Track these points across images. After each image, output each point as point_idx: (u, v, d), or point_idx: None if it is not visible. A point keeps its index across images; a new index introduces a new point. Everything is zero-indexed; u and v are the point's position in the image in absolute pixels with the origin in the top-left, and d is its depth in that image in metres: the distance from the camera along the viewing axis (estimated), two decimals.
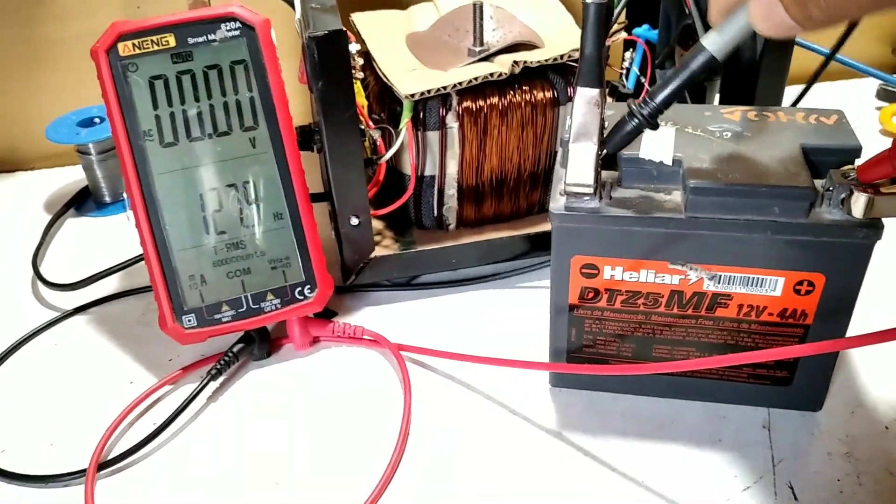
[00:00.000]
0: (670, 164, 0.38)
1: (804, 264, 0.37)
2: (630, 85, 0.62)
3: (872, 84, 0.75)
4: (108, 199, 0.65)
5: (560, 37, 0.56)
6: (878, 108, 0.72)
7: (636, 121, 0.36)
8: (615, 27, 0.62)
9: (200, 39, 0.45)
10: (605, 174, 0.39)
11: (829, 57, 0.54)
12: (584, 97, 0.37)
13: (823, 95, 0.74)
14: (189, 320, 0.46)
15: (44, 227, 0.61)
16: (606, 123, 0.38)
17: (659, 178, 0.39)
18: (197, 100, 0.45)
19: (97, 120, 0.64)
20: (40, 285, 0.55)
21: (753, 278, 0.38)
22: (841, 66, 0.72)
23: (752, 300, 0.39)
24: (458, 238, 0.54)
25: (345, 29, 0.43)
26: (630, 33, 0.64)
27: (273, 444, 0.43)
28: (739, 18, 0.33)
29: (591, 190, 0.38)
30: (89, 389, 0.47)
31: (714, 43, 0.33)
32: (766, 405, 0.43)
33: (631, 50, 0.63)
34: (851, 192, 0.34)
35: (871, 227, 0.35)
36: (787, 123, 0.40)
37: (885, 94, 0.74)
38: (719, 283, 0.39)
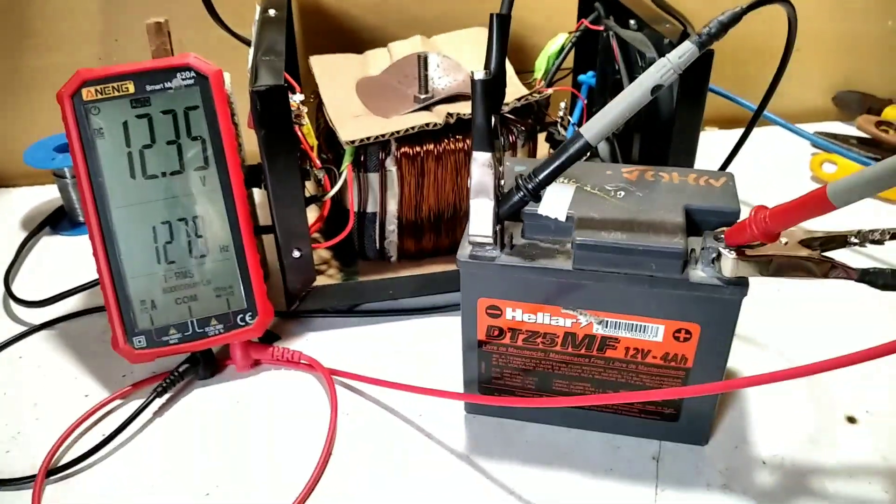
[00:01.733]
0: (564, 220, 0.42)
1: (681, 315, 0.41)
2: (568, 134, 0.66)
3: (812, 129, 0.79)
4: (81, 219, 0.70)
5: None
6: (812, 154, 0.77)
7: (522, 193, 0.40)
8: (561, 73, 0.66)
9: (158, 87, 0.49)
10: (509, 223, 0.44)
11: (757, 114, 0.58)
12: (479, 161, 0.41)
13: (764, 140, 0.79)
14: (139, 341, 0.50)
15: (18, 244, 0.66)
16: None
17: (556, 232, 0.43)
18: (153, 141, 0.50)
19: None
20: (10, 301, 0.60)
21: (637, 325, 0.42)
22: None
23: (638, 344, 0.43)
24: (398, 270, 0.59)
25: (287, 84, 0.48)
26: (576, 79, 0.69)
27: (209, 458, 0.47)
28: (611, 108, 0.38)
29: (491, 240, 0.42)
30: (47, 400, 0.51)
31: (590, 130, 0.38)
32: (657, 438, 0.47)
33: (565, 100, 0.67)
34: (720, 254, 0.39)
35: (738, 286, 0.39)
36: (678, 185, 0.44)
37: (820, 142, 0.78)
38: (607, 327, 0.43)
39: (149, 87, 0.49)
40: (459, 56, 0.63)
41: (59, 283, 0.62)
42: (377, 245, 0.58)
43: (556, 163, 0.40)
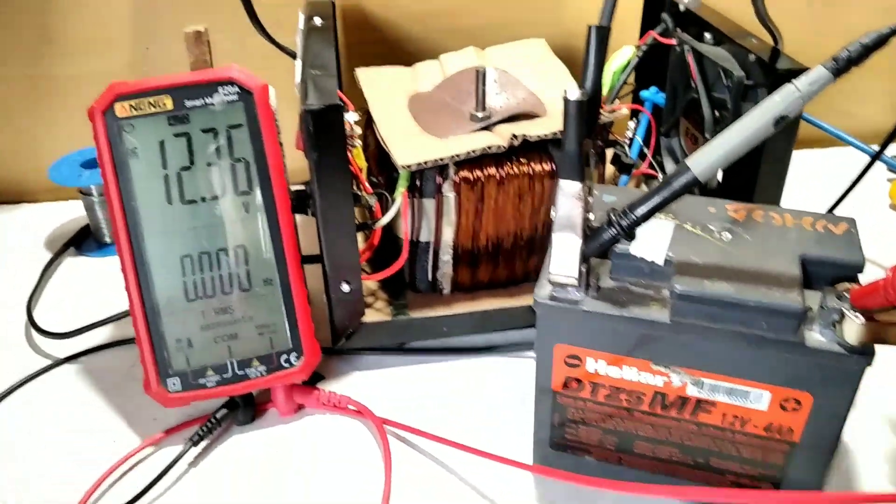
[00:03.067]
0: (661, 263, 0.37)
1: (791, 382, 0.36)
2: (633, 154, 0.61)
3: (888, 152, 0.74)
4: (108, 239, 0.65)
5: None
6: (890, 181, 0.71)
7: (614, 230, 0.35)
8: (624, 90, 0.61)
9: (198, 103, 0.45)
10: (596, 261, 0.39)
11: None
12: (567, 191, 0.36)
13: (832, 160, 0.73)
14: (174, 384, 0.46)
15: (42, 266, 0.62)
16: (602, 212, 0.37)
17: (650, 275, 0.38)
18: (192, 163, 0.45)
19: None
20: (32, 330, 0.55)
21: (738, 389, 0.37)
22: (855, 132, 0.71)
23: (737, 411, 0.38)
24: (451, 303, 0.54)
25: (342, 103, 0.43)
26: (638, 95, 0.64)
27: None
28: (726, 140, 0.33)
29: (574, 281, 0.37)
30: (73, 445, 0.47)
31: (698, 165, 0.33)
32: None
33: (635, 119, 0.62)
34: (843, 316, 0.33)
35: (862, 354, 0.34)
36: (793, 229, 0.39)
37: None
38: (703, 389, 0.38)
39: (188, 103, 0.45)
40: (517, 70, 0.58)
41: (85, 309, 0.57)
42: (429, 276, 0.54)
43: (657, 198, 0.35)
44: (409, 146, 0.49)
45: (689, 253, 0.37)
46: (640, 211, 0.35)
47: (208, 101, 0.45)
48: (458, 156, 0.48)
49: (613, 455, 0.42)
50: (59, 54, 0.67)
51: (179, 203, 0.45)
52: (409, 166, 0.48)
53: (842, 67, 0.32)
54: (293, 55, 0.57)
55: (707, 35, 0.56)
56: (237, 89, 0.45)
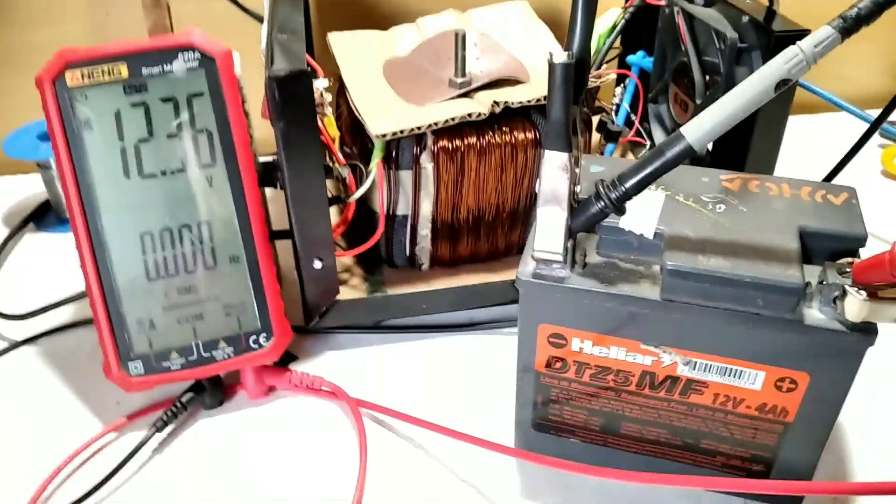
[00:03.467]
0: (651, 237, 0.35)
1: (787, 361, 0.34)
2: (619, 121, 0.59)
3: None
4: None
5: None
6: (881, 147, 0.69)
7: (602, 203, 0.33)
8: (610, 54, 0.59)
9: (156, 70, 0.42)
10: (582, 236, 0.37)
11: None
12: (553, 162, 0.34)
13: (825, 127, 0.71)
14: (136, 367, 0.43)
15: None
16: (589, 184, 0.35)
17: (639, 249, 0.36)
18: (150, 134, 0.42)
19: None
20: None
21: (732, 369, 0.35)
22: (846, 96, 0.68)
23: (730, 391, 0.36)
24: (430, 280, 0.52)
25: (310, 68, 0.40)
26: (624, 60, 0.61)
27: (220, 501, 0.41)
28: (723, 107, 0.30)
29: (560, 258, 0.35)
30: (30, 432, 0.44)
31: (693, 133, 0.31)
32: (741, 496, 0.40)
33: (621, 85, 0.59)
34: (845, 293, 0.31)
35: (864, 332, 0.32)
36: (790, 199, 0.36)
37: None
38: (695, 369, 0.36)
39: (145, 71, 0.42)
40: (498, 34, 0.56)
41: (45, 289, 0.54)
42: (407, 252, 0.51)
43: (649, 169, 0.32)
44: (383, 114, 0.46)
45: (681, 226, 0.35)
46: (631, 183, 0.33)
47: (167, 68, 0.42)
48: (436, 124, 0.46)
49: (599, 436, 0.41)
50: (11, 21, 0.63)
51: (138, 177, 0.42)
52: (383, 135, 0.45)
53: (850, 26, 0.29)
54: (260, 19, 0.53)
55: None
56: (198, 55, 0.42)
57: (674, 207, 0.37)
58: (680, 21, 0.52)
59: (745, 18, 0.47)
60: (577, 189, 0.35)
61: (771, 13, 0.46)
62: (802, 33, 0.44)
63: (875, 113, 0.68)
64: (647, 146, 0.57)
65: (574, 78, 0.33)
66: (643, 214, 0.36)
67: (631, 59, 0.61)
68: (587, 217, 0.34)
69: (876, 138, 0.71)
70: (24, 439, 0.44)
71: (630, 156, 0.61)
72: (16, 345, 0.50)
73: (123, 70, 0.42)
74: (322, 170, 0.43)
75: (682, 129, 0.32)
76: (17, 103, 0.65)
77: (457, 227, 0.51)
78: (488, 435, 0.41)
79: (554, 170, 0.34)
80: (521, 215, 0.51)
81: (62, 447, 0.43)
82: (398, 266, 0.52)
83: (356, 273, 0.52)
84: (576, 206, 0.35)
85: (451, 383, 0.48)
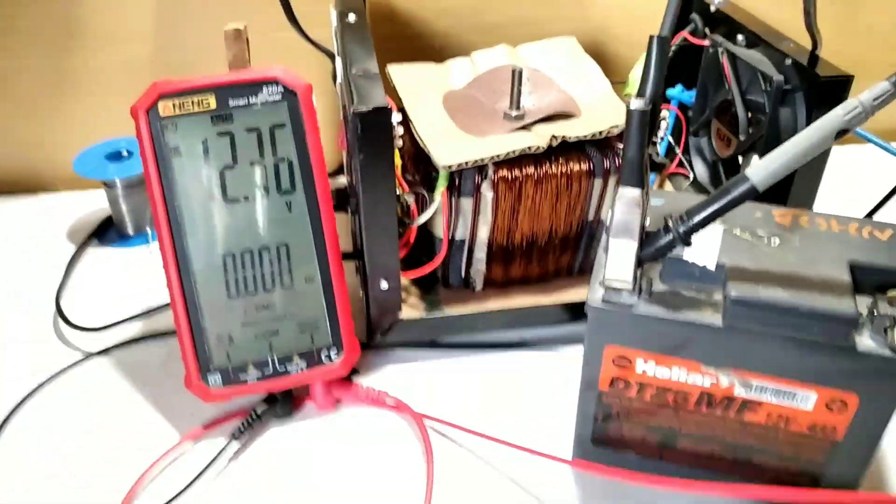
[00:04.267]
0: (713, 269, 0.38)
1: (839, 383, 0.37)
2: (662, 152, 0.62)
3: None
4: (130, 230, 0.65)
5: (597, 104, 0.55)
6: None
7: (671, 236, 0.36)
8: None
9: (241, 102, 0.45)
10: (646, 266, 0.39)
11: None
12: (626, 197, 0.37)
13: (849, 161, 0.74)
14: (214, 380, 0.46)
15: (67, 259, 0.61)
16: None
17: (700, 279, 0.38)
18: (235, 162, 0.45)
19: (125, 153, 0.63)
20: (61, 323, 0.55)
21: (786, 390, 0.38)
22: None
23: (783, 411, 0.39)
24: (483, 300, 0.54)
25: (389, 105, 0.43)
26: (664, 94, 0.64)
27: None
28: (786, 152, 0.33)
29: (629, 286, 0.38)
30: (110, 442, 0.47)
31: (758, 174, 0.34)
32: None
33: (665, 119, 0.62)
34: (895, 322, 0.34)
35: None
36: (839, 235, 0.39)
37: None
38: (751, 390, 0.39)
39: (232, 103, 0.45)
40: (548, 69, 0.59)
41: (111, 302, 0.57)
42: (462, 273, 0.54)
43: (715, 206, 0.35)
44: (448, 146, 0.49)
45: (740, 258, 0.38)
46: (698, 218, 0.36)
47: (252, 100, 0.45)
48: (498, 156, 0.48)
49: (655, 451, 0.43)
50: (82, 46, 0.66)
51: (222, 201, 0.45)
52: (449, 167, 0.48)
53: None
54: (328, 52, 0.56)
55: (740, 37, 0.56)
56: (281, 89, 0.45)
57: (732, 240, 0.39)
58: (724, 61, 0.55)
59: (789, 61, 0.50)
60: (647, 222, 0.38)
61: (814, 57, 0.50)
62: (846, 78, 0.47)
63: None
64: (691, 178, 0.60)
65: (649, 122, 0.36)
66: (705, 247, 0.39)
67: (670, 92, 0.64)
68: (656, 248, 0.37)
69: None
70: (104, 448, 0.46)
71: (668, 186, 0.64)
72: (89, 356, 0.53)
73: (212, 101, 0.45)
74: (395, 197, 0.46)
75: (747, 172, 0.35)
76: (83, 124, 0.68)
77: (511, 251, 0.53)
78: (543, 448, 0.44)
79: (628, 204, 0.37)
80: (572, 241, 0.54)
81: (142, 456, 0.45)
82: (452, 286, 0.55)
83: (413, 293, 0.55)
84: (645, 238, 0.37)
85: (504, 399, 0.50)
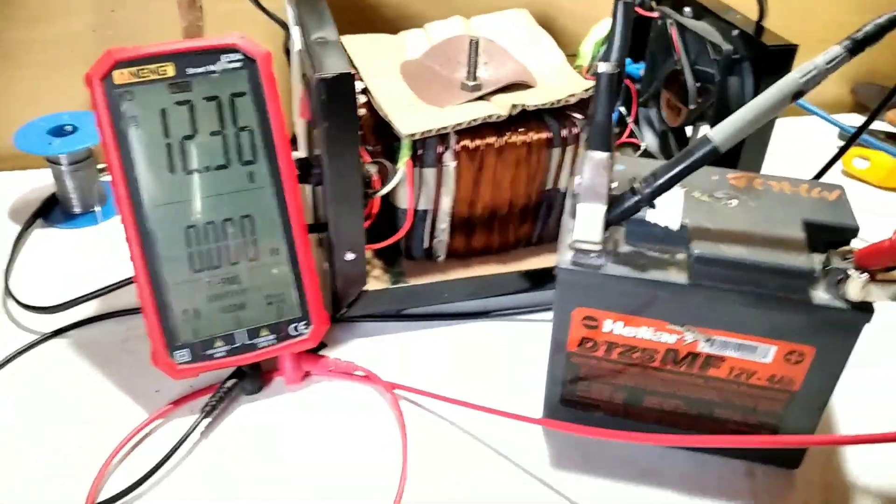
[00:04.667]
0: (677, 229, 0.39)
1: (797, 336, 0.39)
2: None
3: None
4: (77, 209, 0.63)
5: (552, 75, 0.56)
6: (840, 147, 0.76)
7: (637, 198, 0.37)
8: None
9: (200, 70, 0.44)
10: (610, 228, 0.41)
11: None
12: (594, 160, 0.38)
13: (790, 131, 0.77)
14: (182, 355, 0.45)
15: (12, 240, 0.59)
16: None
17: (664, 241, 0.40)
18: (195, 132, 0.44)
19: (68, 128, 0.61)
20: (12, 304, 0.53)
21: (747, 345, 0.40)
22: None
23: (744, 364, 0.41)
24: (446, 270, 0.55)
25: (353, 71, 0.43)
26: None
27: (268, 483, 0.43)
28: (746, 114, 0.35)
29: (598, 248, 0.39)
30: (77, 423, 0.46)
31: (719, 136, 0.35)
32: (747, 459, 0.45)
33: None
34: (847, 276, 0.36)
35: (863, 311, 0.37)
36: (791, 196, 0.41)
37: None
38: (714, 345, 0.40)
39: (190, 71, 0.44)
40: (502, 40, 0.59)
41: (60, 282, 0.55)
42: (425, 244, 0.54)
43: (679, 168, 0.37)
44: (409, 115, 0.49)
45: (701, 219, 0.40)
46: (663, 180, 0.37)
47: (211, 68, 0.44)
48: (460, 124, 0.49)
49: (621, 409, 0.45)
50: (18, 17, 0.63)
51: (183, 173, 0.44)
52: (412, 135, 0.48)
53: (857, 47, 0.34)
54: (281, 22, 0.56)
55: (686, 9, 0.58)
56: (241, 56, 0.44)
57: (692, 202, 0.41)
58: (673, 32, 0.56)
59: (736, 32, 0.52)
60: (614, 185, 0.39)
61: (760, 28, 0.51)
62: (791, 47, 0.49)
63: (838, 118, 0.75)
64: (642, 148, 0.62)
65: (616, 86, 0.37)
66: (668, 208, 0.40)
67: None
68: (622, 210, 0.38)
69: (835, 139, 0.78)
70: (72, 430, 0.45)
71: (619, 154, 0.65)
72: (46, 337, 0.51)
73: (170, 69, 0.43)
74: (359, 166, 0.46)
75: (709, 133, 0.36)
76: (21, 98, 0.66)
77: (473, 222, 0.54)
78: (512, 410, 0.45)
79: (596, 167, 0.38)
80: (531, 211, 0.55)
81: (111, 436, 0.44)
82: (415, 258, 0.55)
83: (375, 265, 0.55)
84: (611, 202, 0.39)
85: (471, 366, 0.51)
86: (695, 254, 0.38)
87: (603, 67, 0.36)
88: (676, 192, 0.41)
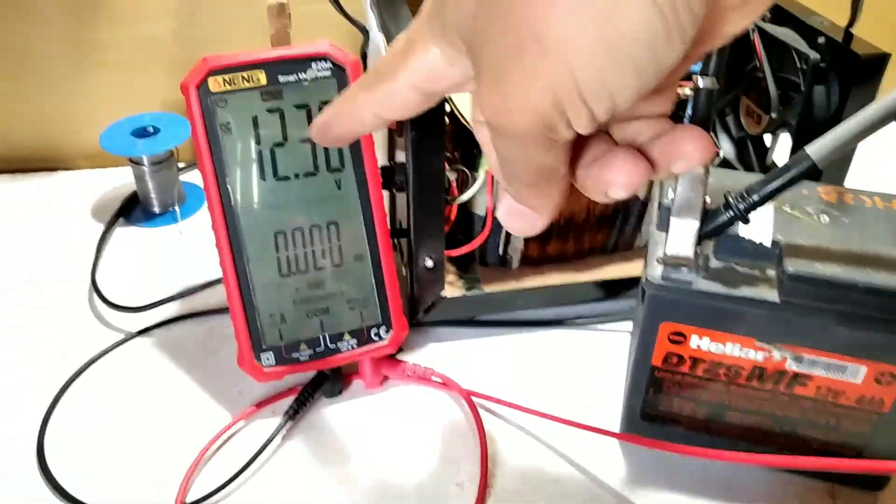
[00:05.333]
0: (769, 246, 0.39)
1: (889, 357, 0.38)
2: None
3: None
4: (157, 209, 0.64)
5: None
6: None
7: (731, 213, 0.37)
8: None
9: (291, 78, 0.45)
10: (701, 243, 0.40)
11: None
12: (689, 175, 0.38)
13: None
14: (268, 358, 0.46)
15: (97, 238, 0.61)
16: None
17: (755, 256, 0.39)
18: (285, 139, 0.45)
19: (151, 129, 0.63)
20: (98, 303, 0.55)
21: (837, 364, 0.39)
22: None
23: (832, 384, 0.40)
24: (520, 278, 0.55)
25: None
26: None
27: (354, 486, 0.44)
28: (848, 130, 0.34)
29: (690, 263, 0.39)
30: (161, 424, 0.47)
31: (819, 153, 0.34)
32: (831, 480, 0.44)
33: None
34: None
35: None
36: (884, 212, 0.41)
37: None
38: (802, 364, 0.40)
39: (282, 79, 0.45)
40: None
41: (143, 281, 0.57)
42: (500, 251, 0.55)
43: (775, 184, 0.36)
44: None
45: (793, 235, 0.39)
46: (758, 195, 0.37)
47: (302, 76, 0.45)
48: None
49: (702, 424, 0.44)
50: (104, 19, 0.65)
51: (273, 179, 0.45)
52: None
53: None
54: (361, 27, 0.56)
55: (766, 13, 0.57)
56: (330, 65, 0.45)
57: (783, 218, 0.40)
58: (755, 38, 0.56)
59: (822, 39, 0.51)
60: (708, 200, 0.38)
61: (848, 35, 0.50)
62: (883, 56, 0.48)
63: None
64: (720, 155, 0.61)
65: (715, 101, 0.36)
66: (760, 223, 0.40)
67: (693, 68, 0.64)
68: (716, 226, 0.38)
69: None
70: (158, 429, 0.47)
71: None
72: (131, 336, 0.53)
73: (262, 77, 0.44)
74: (443, 174, 0.47)
75: (807, 149, 0.36)
76: (105, 99, 0.67)
77: (548, 229, 0.54)
78: (589, 422, 0.45)
79: (692, 182, 0.37)
80: (608, 218, 0.55)
81: (196, 437, 0.45)
82: (489, 264, 0.56)
83: (449, 270, 0.55)
84: (705, 216, 0.38)
85: (543, 375, 0.51)
86: (788, 271, 0.37)
87: (704, 83, 0.35)
88: (767, 206, 0.41)
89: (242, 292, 0.45)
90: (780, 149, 0.57)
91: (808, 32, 0.52)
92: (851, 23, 0.51)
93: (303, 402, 0.47)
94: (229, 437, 0.46)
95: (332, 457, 0.45)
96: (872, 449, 0.42)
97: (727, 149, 0.62)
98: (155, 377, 0.50)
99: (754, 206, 0.37)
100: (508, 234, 0.54)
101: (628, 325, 0.54)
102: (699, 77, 0.35)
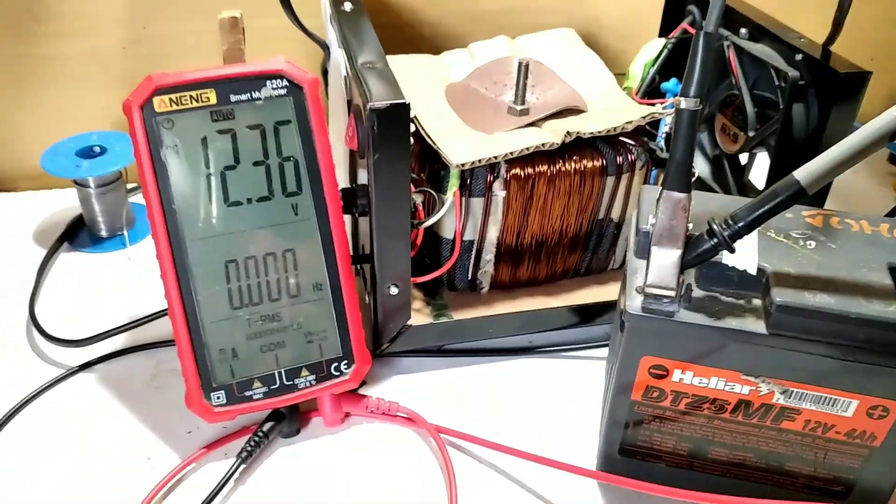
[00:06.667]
0: (755, 273, 0.37)
1: (881, 390, 0.36)
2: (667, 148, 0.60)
3: None
4: (104, 233, 0.60)
5: (603, 98, 0.54)
6: (891, 174, 0.73)
7: (716, 240, 0.35)
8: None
9: (244, 97, 0.42)
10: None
11: None
12: (671, 201, 0.36)
13: None
14: (218, 397, 0.43)
15: (37, 264, 0.57)
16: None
17: (740, 285, 0.37)
18: (237, 161, 0.42)
19: (96, 149, 0.59)
20: (37, 335, 0.51)
21: (827, 398, 0.37)
22: None
23: (822, 417, 0.38)
24: (491, 303, 0.52)
25: (408, 101, 0.41)
26: (658, 88, 0.63)
27: None
28: (838, 154, 0.32)
29: (672, 293, 0.36)
30: (103, 465, 0.43)
31: (808, 178, 0.32)
32: None
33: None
34: None
35: None
36: (871, 237, 0.39)
37: None
38: (790, 397, 0.38)
39: (233, 98, 0.41)
40: (548, 61, 0.57)
41: (89, 311, 0.53)
42: (469, 275, 0.52)
43: (762, 210, 0.34)
44: (458, 143, 0.47)
45: (779, 262, 0.37)
46: (744, 222, 0.35)
47: (255, 95, 0.42)
48: (511, 153, 0.46)
49: (685, 460, 0.42)
50: (48, 33, 0.61)
51: (223, 204, 0.42)
52: (462, 165, 0.45)
53: None
54: (322, 43, 0.53)
55: (742, 30, 0.55)
56: (286, 83, 0.42)
57: (767, 243, 0.38)
58: (731, 56, 0.54)
59: (800, 56, 0.49)
60: (690, 226, 0.36)
61: (827, 52, 0.49)
62: (864, 74, 0.47)
63: None
64: (695, 174, 0.59)
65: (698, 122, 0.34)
66: (744, 251, 0.37)
67: (665, 86, 0.62)
68: (699, 254, 0.36)
69: (885, 165, 0.75)
70: (100, 472, 0.43)
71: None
72: (73, 371, 0.49)
73: (212, 96, 0.41)
74: (409, 198, 0.44)
75: (796, 174, 0.34)
76: (48, 116, 0.63)
77: (520, 252, 0.51)
78: (563, 457, 0.42)
79: (672, 208, 0.35)
80: (581, 240, 0.52)
81: (140, 482, 0.42)
82: (458, 289, 0.53)
83: (416, 296, 0.52)
84: (687, 244, 0.36)
85: (516, 407, 0.48)
86: (777, 302, 0.35)
87: (685, 104, 0.33)
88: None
89: (190, 327, 0.42)
90: (758, 168, 0.56)
91: (786, 49, 0.51)
92: (831, 40, 0.49)
93: (257, 443, 0.43)
94: (178, 482, 0.43)
95: (290, 502, 0.42)
96: (863, 484, 0.40)
97: (702, 168, 0.60)
98: (98, 416, 0.46)
99: (740, 233, 0.35)
100: (479, 258, 0.51)
101: (604, 352, 0.52)
102: (681, 98, 0.33)
